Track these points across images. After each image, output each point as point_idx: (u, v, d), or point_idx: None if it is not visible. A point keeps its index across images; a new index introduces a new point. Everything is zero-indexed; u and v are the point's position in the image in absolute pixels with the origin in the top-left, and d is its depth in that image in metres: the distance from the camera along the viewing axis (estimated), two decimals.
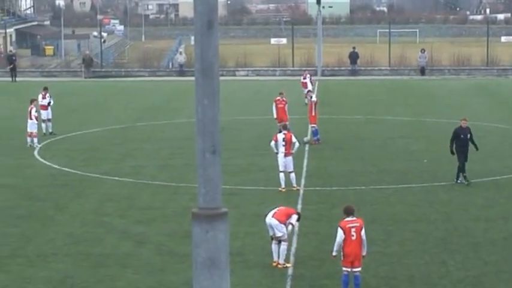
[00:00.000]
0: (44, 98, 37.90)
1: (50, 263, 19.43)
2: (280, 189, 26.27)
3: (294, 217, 19.14)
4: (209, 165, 9.66)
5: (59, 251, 20.35)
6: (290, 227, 19.11)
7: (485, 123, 38.35)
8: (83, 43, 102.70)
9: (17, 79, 63.31)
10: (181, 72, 65.89)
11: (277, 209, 19.22)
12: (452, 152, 27.27)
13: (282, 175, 26.34)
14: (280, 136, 26.55)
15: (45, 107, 37.64)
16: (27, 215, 23.76)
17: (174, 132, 38.45)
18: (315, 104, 34.76)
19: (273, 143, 26.69)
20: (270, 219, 18.90)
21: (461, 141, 27.07)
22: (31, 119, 34.48)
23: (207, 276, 9.69)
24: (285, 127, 27.55)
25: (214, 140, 9.64)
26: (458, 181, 27.10)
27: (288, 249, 19.31)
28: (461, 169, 27.07)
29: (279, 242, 18.82)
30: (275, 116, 34.92)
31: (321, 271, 18.67)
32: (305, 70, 52.03)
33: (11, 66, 63.87)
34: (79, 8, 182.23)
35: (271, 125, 37.19)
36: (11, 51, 72.14)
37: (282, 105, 34.96)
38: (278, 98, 35.25)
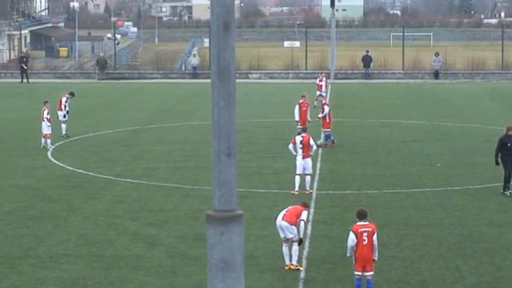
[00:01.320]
0: (66, 101, 37.90)
1: (62, 264, 19.42)
2: (293, 192, 26.21)
3: (304, 213, 18.98)
4: (224, 167, 9.62)
5: (71, 252, 20.34)
6: (302, 223, 18.95)
7: (499, 127, 37.99)
8: (96, 45, 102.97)
9: (30, 80, 63.33)
10: (194, 75, 65.85)
11: (286, 210, 19.05)
12: (497, 163, 26.22)
13: (297, 178, 26.28)
14: (298, 138, 26.56)
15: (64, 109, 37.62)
16: (39, 216, 23.77)
17: (187, 135, 38.44)
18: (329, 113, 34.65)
19: (291, 145, 26.65)
20: (280, 221, 18.78)
21: (508, 150, 26.01)
22: (43, 120, 34.54)
23: (221, 279, 9.65)
24: (304, 130, 27.60)
25: (229, 142, 9.59)
26: (506, 193, 25.94)
27: (300, 250, 19.21)
28: (507, 180, 26.05)
29: (291, 243, 18.74)
30: (297, 118, 34.49)
31: (333, 275, 18.59)
32: (321, 72, 51.89)
33: (24, 67, 63.66)
34: (93, 10, 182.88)
35: (283, 127, 37.14)
36: (23, 52, 72.00)
37: (305, 108, 34.84)
38: (301, 100, 35.08)
